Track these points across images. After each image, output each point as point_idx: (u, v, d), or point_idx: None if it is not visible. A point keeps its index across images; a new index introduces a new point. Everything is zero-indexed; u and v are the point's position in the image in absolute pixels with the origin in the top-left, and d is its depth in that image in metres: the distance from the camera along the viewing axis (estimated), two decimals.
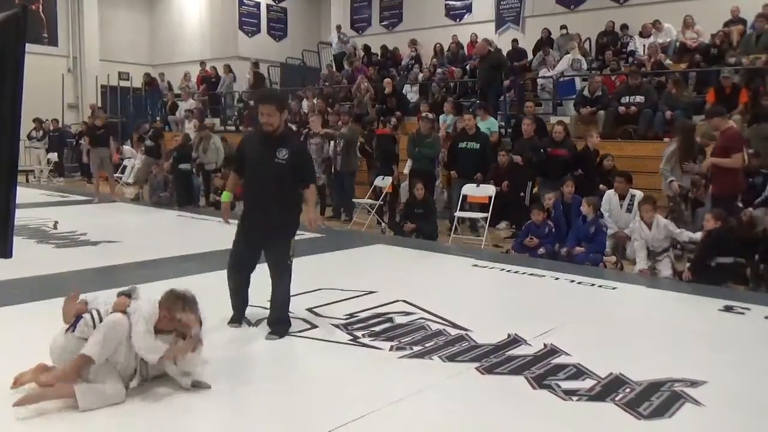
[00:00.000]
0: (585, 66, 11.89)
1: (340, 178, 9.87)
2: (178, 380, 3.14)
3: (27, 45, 1.17)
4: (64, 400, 2.89)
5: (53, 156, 16.28)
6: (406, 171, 9.21)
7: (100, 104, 17.00)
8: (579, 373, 3.49)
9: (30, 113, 14.57)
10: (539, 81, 12.06)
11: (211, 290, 3.81)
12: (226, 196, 4.43)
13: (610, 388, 3.28)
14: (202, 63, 17.54)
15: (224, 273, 4.28)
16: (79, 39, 19.35)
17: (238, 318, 4.24)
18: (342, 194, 10.02)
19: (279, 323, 4.09)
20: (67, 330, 3.04)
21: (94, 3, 19.33)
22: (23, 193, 10.17)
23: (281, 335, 4.01)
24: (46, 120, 16.77)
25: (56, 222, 8.58)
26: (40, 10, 18.39)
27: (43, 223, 8.42)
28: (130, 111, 19.09)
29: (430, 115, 9.46)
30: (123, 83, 19.57)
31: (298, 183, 4.08)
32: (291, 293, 4.18)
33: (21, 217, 8.26)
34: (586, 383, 3.35)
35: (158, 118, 16.12)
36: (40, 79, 15.17)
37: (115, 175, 13.83)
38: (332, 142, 9.95)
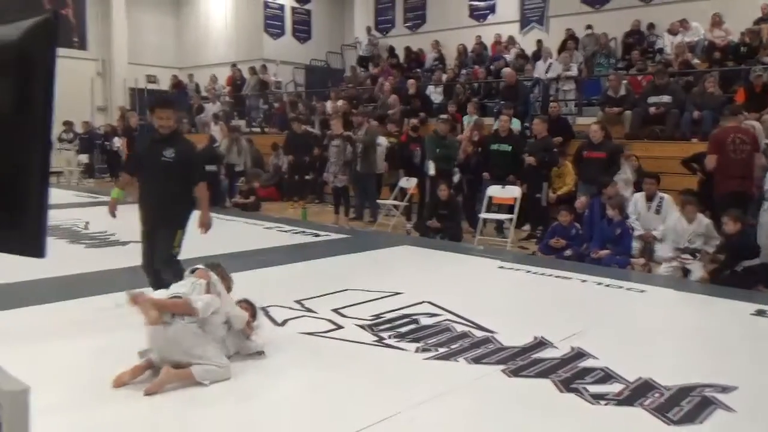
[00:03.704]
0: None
1: (361, 179, 9.89)
2: (248, 347, 3.59)
3: (58, 49, 1.19)
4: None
5: (83, 157, 16.55)
6: (432, 172, 9.14)
7: (129, 106, 17.24)
8: (607, 377, 3.45)
9: (61, 116, 14.83)
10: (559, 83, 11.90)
11: (235, 291, 3.83)
12: (115, 193, 4.65)
13: (639, 393, 3.23)
14: (234, 65, 17.68)
15: (248, 273, 4.35)
16: (108, 43, 19.66)
17: None
18: (364, 196, 10.04)
19: None
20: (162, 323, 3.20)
21: (122, 7, 19.61)
22: (55, 194, 10.34)
23: None
24: (86, 122, 17.09)
25: (87, 222, 8.73)
26: (71, 14, 18.72)
27: (74, 224, 8.58)
28: None
29: (445, 116, 9.54)
30: (150, 86, 19.84)
31: (187, 181, 4.30)
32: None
33: (53, 217, 8.39)
34: (615, 387, 3.31)
35: (185, 120, 16.29)
36: (70, 83, 15.42)
37: None
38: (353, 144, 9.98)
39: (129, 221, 4.54)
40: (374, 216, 9.84)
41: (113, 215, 4.54)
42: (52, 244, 1.17)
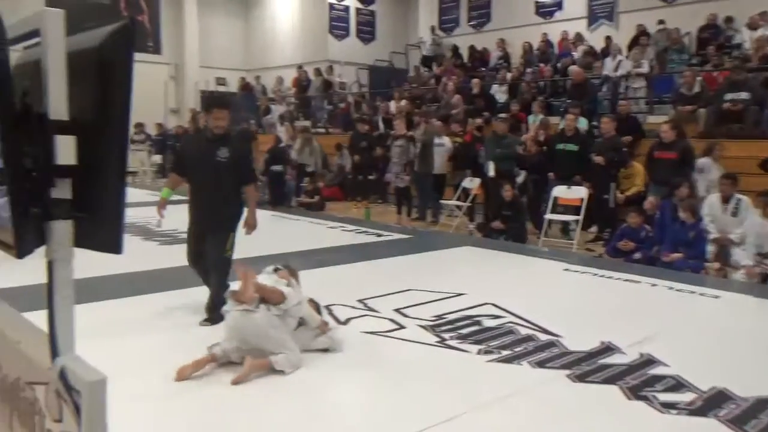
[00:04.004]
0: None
1: (419, 179, 9.87)
2: (319, 343, 3.71)
3: (135, 54, 1.24)
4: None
5: (157, 158, 17.22)
6: (491, 173, 9.02)
7: (199, 108, 17.81)
8: (678, 385, 3.32)
9: (135, 118, 15.46)
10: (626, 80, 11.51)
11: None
12: (165, 193, 4.62)
13: (712, 403, 3.10)
14: (299, 66, 18.01)
15: (312, 272, 4.39)
16: (181, 47, 20.36)
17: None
18: (423, 195, 10.03)
19: (211, 311, 4.17)
20: (249, 310, 3.36)
21: (194, 12, 20.27)
22: (130, 193, 10.79)
23: (214, 322, 4.03)
24: (159, 124, 17.84)
25: (160, 220, 9.04)
26: (146, 20, 19.49)
27: (147, 222, 8.92)
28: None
29: (504, 116, 9.49)
30: (220, 88, 20.44)
31: (238, 181, 4.32)
32: (225, 286, 4.07)
33: (128, 215, 8.78)
34: (686, 396, 3.18)
35: (253, 121, 16.69)
36: (145, 86, 16.07)
37: None
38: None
39: None
40: (435, 216, 9.81)
41: (161, 215, 4.56)
42: (127, 240, 1.22)
